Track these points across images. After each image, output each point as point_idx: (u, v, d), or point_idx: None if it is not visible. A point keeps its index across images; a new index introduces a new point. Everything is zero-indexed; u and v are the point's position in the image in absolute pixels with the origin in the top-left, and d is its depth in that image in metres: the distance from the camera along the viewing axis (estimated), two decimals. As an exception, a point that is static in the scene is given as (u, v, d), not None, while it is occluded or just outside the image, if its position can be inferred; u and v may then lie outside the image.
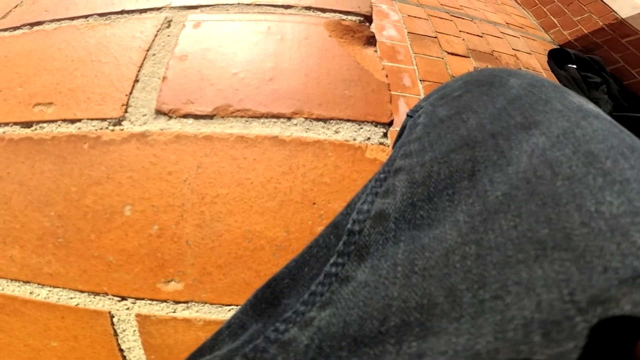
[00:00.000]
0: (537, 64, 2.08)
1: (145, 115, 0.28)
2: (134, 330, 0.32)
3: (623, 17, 2.45)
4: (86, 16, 0.42)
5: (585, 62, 2.49)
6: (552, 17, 3.06)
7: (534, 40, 2.42)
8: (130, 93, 0.29)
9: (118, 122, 0.29)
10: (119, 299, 0.31)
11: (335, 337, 0.15)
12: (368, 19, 0.40)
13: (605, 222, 0.13)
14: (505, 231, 0.14)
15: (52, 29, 0.42)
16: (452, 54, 1.54)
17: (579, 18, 2.90)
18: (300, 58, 0.34)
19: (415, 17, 1.79)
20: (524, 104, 0.20)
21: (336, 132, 0.28)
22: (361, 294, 0.16)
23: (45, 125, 0.32)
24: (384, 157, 0.26)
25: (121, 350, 0.32)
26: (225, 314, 0.26)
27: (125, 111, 0.29)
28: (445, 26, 1.84)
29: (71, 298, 0.32)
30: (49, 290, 0.32)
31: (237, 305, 0.26)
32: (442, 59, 1.44)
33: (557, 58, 2.25)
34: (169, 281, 0.27)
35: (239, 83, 0.29)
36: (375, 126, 0.29)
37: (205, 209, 0.27)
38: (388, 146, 0.28)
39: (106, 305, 0.31)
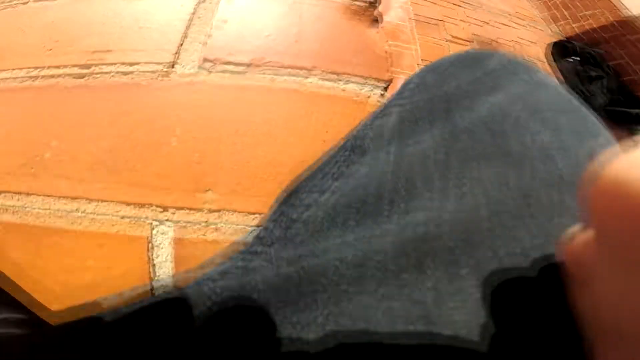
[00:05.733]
0: (538, 53, 2.12)
1: (193, 62, 0.35)
2: (169, 242, 0.38)
3: (634, 14, 2.46)
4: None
5: (586, 56, 2.52)
6: (562, 10, 3.05)
7: (540, 30, 2.44)
8: (181, 45, 0.36)
9: (170, 67, 0.36)
10: (161, 209, 0.38)
11: (344, 207, 0.23)
12: (373, 4, 0.46)
13: (537, 148, 0.21)
14: (466, 145, 0.22)
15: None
16: (455, 38, 1.59)
17: (588, 13, 2.88)
18: (317, 29, 0.41)
19: (422, 0, 1.81)
20: (497, 75, 0.27)
21: (344, 89, 0.36)
22: (364, 173, 0.23)
23: (103, 67, 0.39)
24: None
25: (153, 266, 0.38)
26: (250, 221, 0.34)
27: (176, 60, 0.36)
28: (451, 12, 1.87)
29: (117, 211, 0.38)
30: (96, 205, 0.38)
31: (261, 214, 0.34)
32: (445, 42, 1.49)
33: (559, 50, 2.28)
34: (206, 192, 0.35)
35: (271, 42, 0.36)
36: (376, 86, 0.37)
37: (238, 141, 0.34)
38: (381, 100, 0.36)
39: (149, 216, 0.38)
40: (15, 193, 0.36)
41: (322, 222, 0.23)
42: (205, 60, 0.36)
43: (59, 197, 0.37)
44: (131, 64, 0.37)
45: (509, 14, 2.40)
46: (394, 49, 0.52)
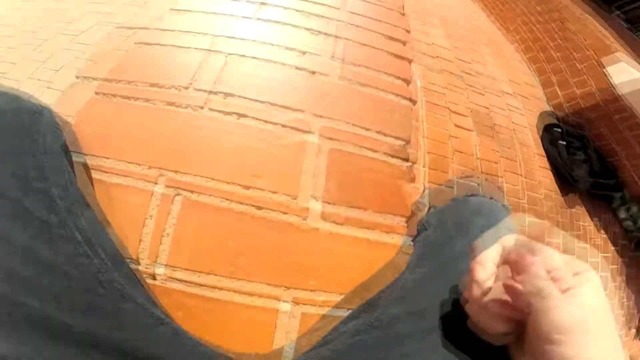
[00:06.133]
0: (531, 138, 2.47)
1: (314, 211, 0.65)
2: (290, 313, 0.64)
3: (620, 92, 2.69)
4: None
5: (573, 137, 2.85)
6: (552, 75, 3.34)
7: (531, 112, 2.79)
8: (306, 195, 0.66)
9: (301, 207, 0.65)
10: (285, 290, 0.65)
11: (402, 313, 0.50)
12: (412, 165, 0.77)
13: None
14: (445, 276, 0.51)
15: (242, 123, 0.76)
16: (459, 126, 1.94)
17: (575, 80, 3.16)
18: (374, 190, 0.72)
19: (433, 90, 2.17)
20: (469, 221, 0.56)
21: (392, 237, 0.66)
22: (409, 296, 0.51)
23: (258, 192, 0.68)
24: (409, 250, 0.63)
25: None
26: (331, 304, 0.61)
27: (305, 211, 0.65)
28: (457, 98, 2.23)
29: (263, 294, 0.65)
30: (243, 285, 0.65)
31: (335, 301, 0.61)
32: (448, 130, 1.85)
33: (549, 135, 2.62)
34: (313, 291, 0.63)
35: (350, 193, 0.67)
36: (408, 236, 0.66)
37: (330, 266, 0.63)
38: (410, 246, 0.65)
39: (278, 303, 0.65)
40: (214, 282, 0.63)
41: (389, 320, 0.50)
42: (322, 214, 0.66)
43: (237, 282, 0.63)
44: (273, 192, 0.66)
45: (509, 95, 2.75)
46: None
